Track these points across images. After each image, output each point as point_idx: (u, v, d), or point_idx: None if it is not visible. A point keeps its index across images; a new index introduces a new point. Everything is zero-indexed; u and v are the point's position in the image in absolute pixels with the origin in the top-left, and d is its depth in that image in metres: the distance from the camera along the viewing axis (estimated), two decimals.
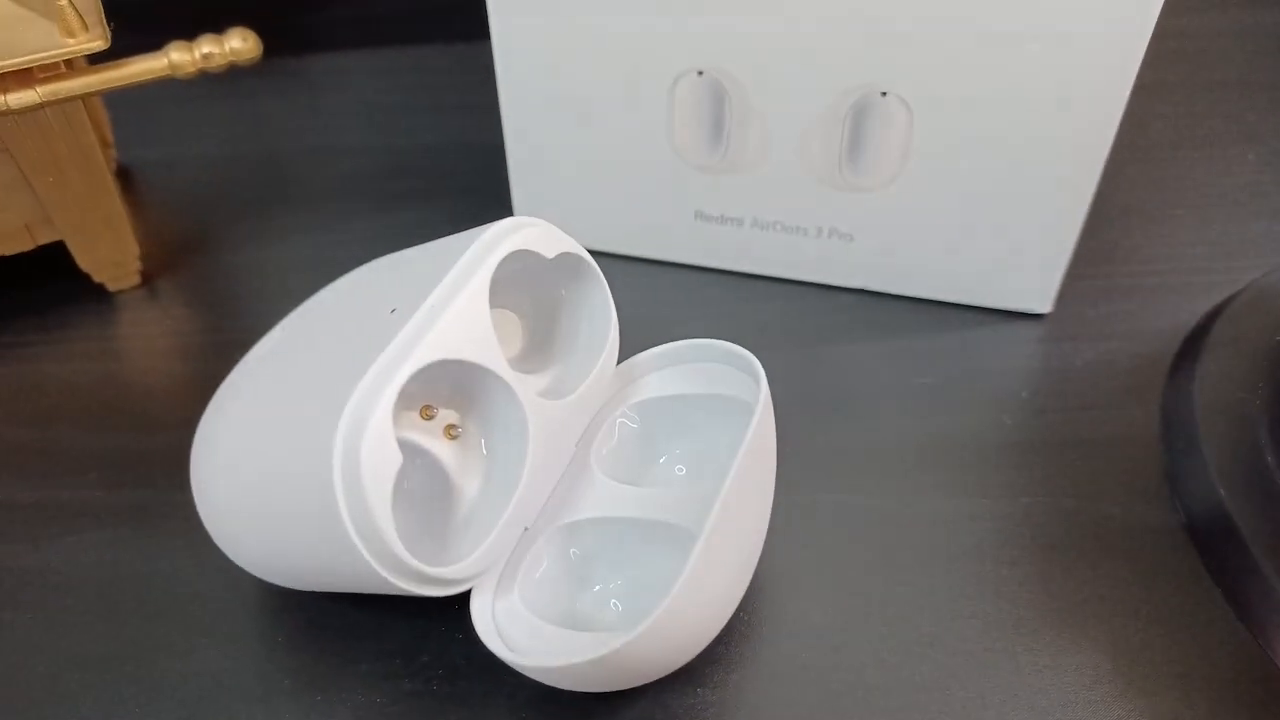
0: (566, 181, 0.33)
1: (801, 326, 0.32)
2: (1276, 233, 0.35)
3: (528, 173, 0.33)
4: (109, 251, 0.32)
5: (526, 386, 0.22)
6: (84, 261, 0.32)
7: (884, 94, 0.28)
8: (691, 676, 0.23)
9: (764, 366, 0.23)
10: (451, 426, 0.22)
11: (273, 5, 0.41)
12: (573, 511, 0.23)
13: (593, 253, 0.35)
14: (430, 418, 0.22)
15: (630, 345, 0.26)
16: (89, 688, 0.24)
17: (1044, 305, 0.32)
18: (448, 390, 0.22)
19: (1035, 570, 0.26)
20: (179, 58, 0.28)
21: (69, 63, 0.27)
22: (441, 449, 0.22)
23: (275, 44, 0.34)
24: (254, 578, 0.24)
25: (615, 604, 0.23)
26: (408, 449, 0.21)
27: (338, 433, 0.19)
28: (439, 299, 0.21)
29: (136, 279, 0.33)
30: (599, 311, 0.24)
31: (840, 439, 0.29)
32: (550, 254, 0.23)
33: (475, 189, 0.38)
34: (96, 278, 0.32)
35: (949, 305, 0.33)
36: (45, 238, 0.31)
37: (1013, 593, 0.25)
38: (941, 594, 0.25)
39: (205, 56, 0.28)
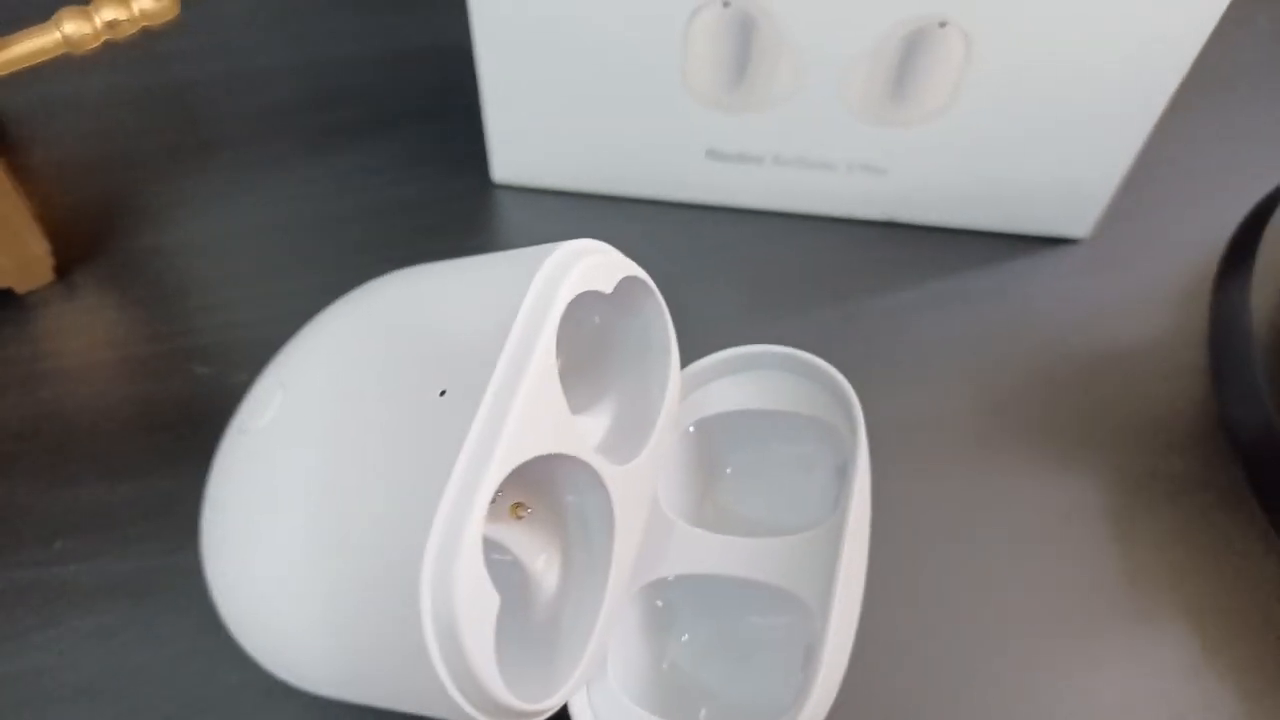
0: (556, 115, 0.28)
1: (828, 269, 0.29)
2: None
3: (507, 106, 0.28)
4: (13, 257, 0.26)
5: (606, 463, 0.19)
6: None
7: (943, 25, 0.24)
8: None
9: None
10: (518, 505, 0.19)
11: None
12: (656, 566, 0.21)
13: (589, 195, 0.31)
14: (493, 501, 0.19)
15: None
16: None
17: (1084, 230, 0.30)
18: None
19: (1108, 541, 0.25)
20: (75, 30, 0.22)
21: None
22: (511, 535, 0.19)
23: None
24: None
25: (708, 659, 0.21)
26: None
27: (423, 580, 0.16)
28: (503, 381, 0.17)
29: (50, 275, 0.28)
30: (656, 342, 0.21)
31: (890, 408, 0.27)
32: (610, 288, 0.19)
33: (432, 115, 0.32)
34: (1, 284, 0.27)
35: (981, 234, 0.30)
36: None
37: (1091, 569, 0.24)
38: (1020, 579, 0.24)
39: (110, 25, 0.22)
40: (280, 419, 0.20)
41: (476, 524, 0.16)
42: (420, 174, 0.31)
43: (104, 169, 0.31)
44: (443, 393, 0.18)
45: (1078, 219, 0.29)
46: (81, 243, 0.29)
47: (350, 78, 0.33)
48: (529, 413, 0.17)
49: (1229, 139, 0.33)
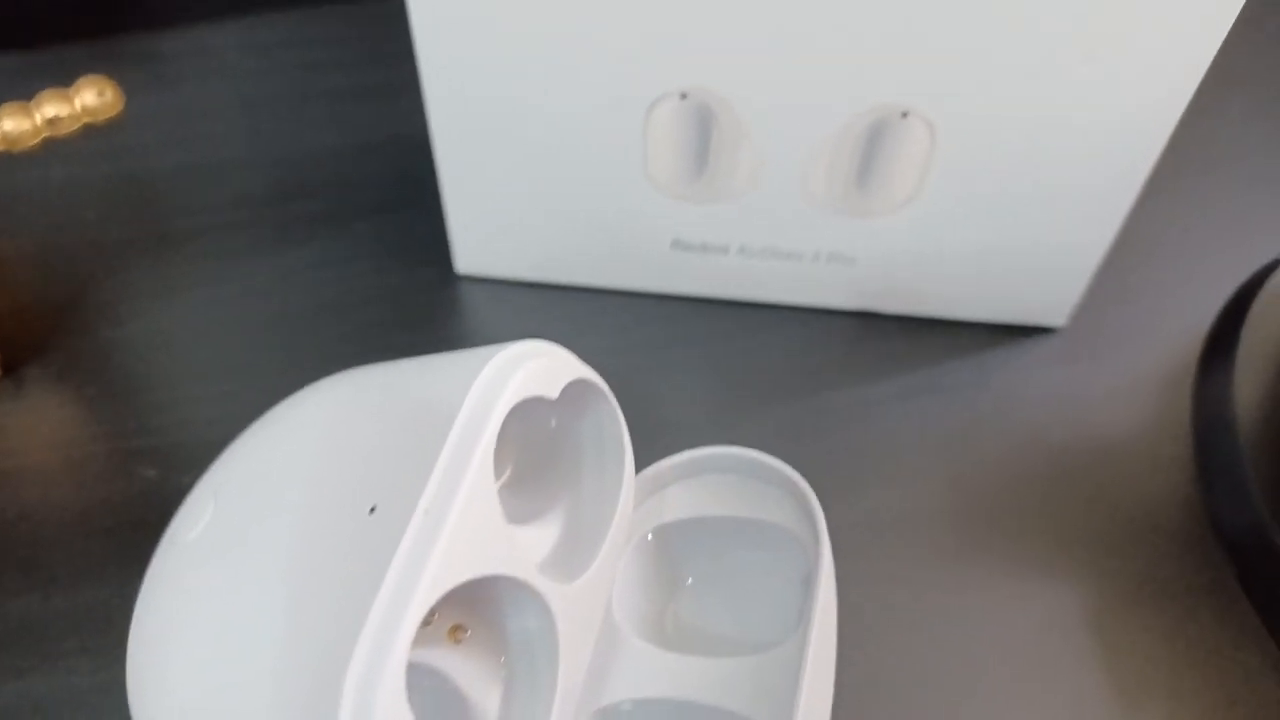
0: (518, 206, 0.28)
1: (797, 362, 0.28)
2: None
3: (467, 197, 0.28)
4: None
5: (549, 583, 0.18)
6: None
7: (905, 115, 0.24)
8: None
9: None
10: (457, 628, 0.18)
11: None
12: (607, 689, 0.20)
13: (553, 286, 0.30)
14: (428, 623, 0.18)
15: None
16: None
17: (1060, 319, 0.29)
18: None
19: (1092, 650, 0.24)
20: (15, 126, 0.21)
21: None
22: (449, 661, 0.18)
23: (118, 19, 0.27)
24: None
25: None
26: (409, 669, 0.17)
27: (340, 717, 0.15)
28: (435, 499, 0.16)
29: None
30: (610, 446, 0.20)
31: (861, 508, 0.25)
32: (555, 394, 0.19)
33: (394, 206, 0.32)
34: None
35: (954, 324, 0.29)
36: None
37: (1075, 681, 0.23)
38: (1000, 694, 0.23)
39: (50, 122, 0.21)
40: (209, 532, 0.19)
41: (400, 656, 0.15)
42: (383, 266, 0.30)
43: (57, 263, 0.30)
44: (373, 509, 0.17)
45: (1053, 308, 0.28)
46: (31, 339, 0.28)
47: (311, 170, 0.33)
48: (463, 532, 0.16)
49: (1208, 224, 0.32)
